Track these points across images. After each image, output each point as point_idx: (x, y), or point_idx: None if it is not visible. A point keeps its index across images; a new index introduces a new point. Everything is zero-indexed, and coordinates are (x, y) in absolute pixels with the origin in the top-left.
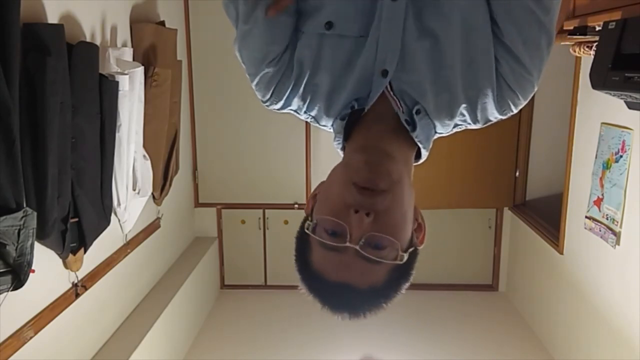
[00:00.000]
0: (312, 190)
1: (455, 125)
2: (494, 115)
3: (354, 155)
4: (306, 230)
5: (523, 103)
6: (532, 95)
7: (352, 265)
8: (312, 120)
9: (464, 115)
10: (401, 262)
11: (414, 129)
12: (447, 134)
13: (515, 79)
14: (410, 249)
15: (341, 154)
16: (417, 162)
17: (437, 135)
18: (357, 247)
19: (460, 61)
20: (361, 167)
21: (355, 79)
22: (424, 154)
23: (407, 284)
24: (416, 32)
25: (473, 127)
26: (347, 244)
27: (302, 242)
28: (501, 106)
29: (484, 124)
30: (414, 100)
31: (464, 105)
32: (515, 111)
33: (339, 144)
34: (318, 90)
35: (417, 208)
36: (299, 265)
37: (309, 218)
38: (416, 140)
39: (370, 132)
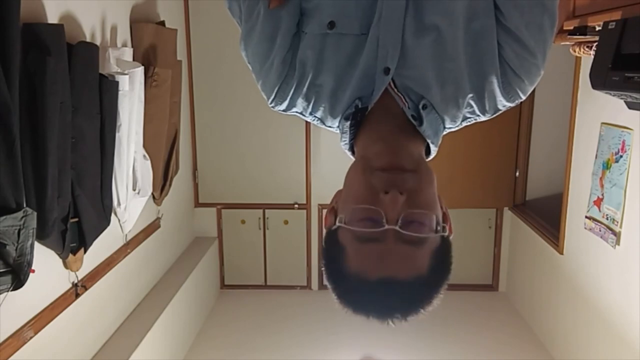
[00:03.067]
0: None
1: (465, 119)
2: (502, 104)
3: (371, 146)
4: (339, 224)
5: (530, 88)
6: (538, 79)
7: (393, 252)
8: (318, 121)
9: (471, 107)
10: (444, 234)
11: (420, 123)
12: (457, 129)
13: (520, 64)
14: (445, 234)
15: (349, 154)
16: (426, 158)
17: (446, 131)
18: (397, 228)
19: (464, 51)
20: (381, 151)
21: (358, 77)
22: (433, 149)
23: (449, 275)
24: (417, 28)
25: (482, 118)
26: (386, 226)
27: (332, 251)
28: (508, 93)
29: (493, 113)
30: (419, 95)
31: (470, 95)
32: (524, 97)
33: (345, 144)
34: (322, 90)
35: (441, 197)
36: (334, 277)
37: (334, 222)
38: (424, 135)
39: (378, 131)
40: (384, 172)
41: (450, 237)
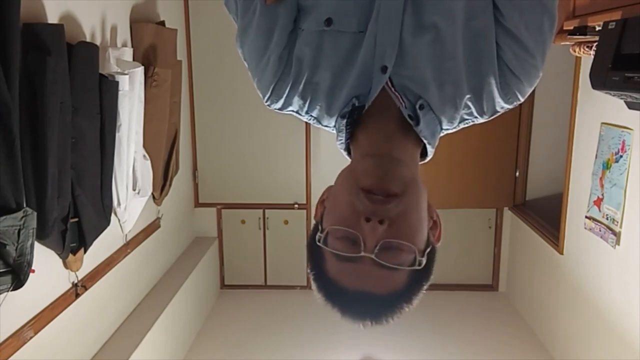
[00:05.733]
0: (319, 194)
1: (462, 120)
2: (500, 105)
3: (363, 160)
4: (318, 243)
5: (529, 90)
6: (537, 80)
7: (369, 274)
8: (314, 121)
9: (469, 108)
10: (420, 267)
11: (417, 123)
12: (454, 130)
13: (519, 64)
14: (428, 250)
15: (344, 154)
16: (423, 160)
17: (443, 132)
18: (373, 256)
19: (463, 51)
20: (370, 170)
21: (356, 75)
22: (430, 151)
23: (428, 284)
24: (415, 27)
25: (480, 120)
26: (362, 253)
27: (315, 251)
28: (506, 94)
29: (491, 115)
30: (417, 95)
31: (468, 97)
32: (522, 99)
33: (342, 143)
34: (318, 88)
35: (431, 205)
36: (315, 275)
37: (319, 227)
38: (421, 135)
39: (374, 131)
40: (367, 197)
41: (437, 245)
